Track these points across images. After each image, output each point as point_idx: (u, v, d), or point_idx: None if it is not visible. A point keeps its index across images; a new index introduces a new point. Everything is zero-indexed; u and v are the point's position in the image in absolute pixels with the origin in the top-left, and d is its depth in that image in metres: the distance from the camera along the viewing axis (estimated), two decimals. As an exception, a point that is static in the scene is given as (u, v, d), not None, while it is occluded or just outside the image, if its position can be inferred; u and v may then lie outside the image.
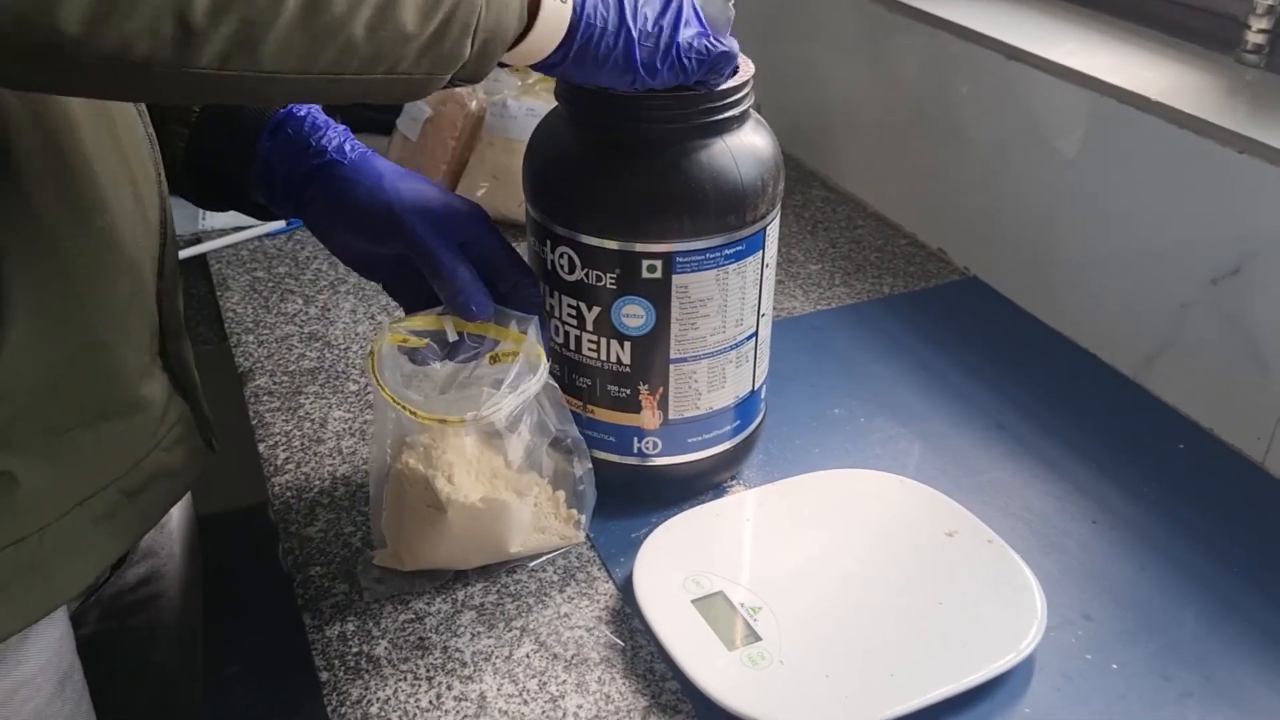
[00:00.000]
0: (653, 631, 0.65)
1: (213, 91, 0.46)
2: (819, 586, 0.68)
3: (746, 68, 0.69)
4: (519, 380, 0.67)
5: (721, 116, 0.66)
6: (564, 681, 0.64)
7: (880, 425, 0.86)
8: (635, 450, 0.73)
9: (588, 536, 0.74)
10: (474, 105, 1.16)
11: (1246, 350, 0.81)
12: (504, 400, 0.66)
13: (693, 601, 0.66)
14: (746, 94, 0.68)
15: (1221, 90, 0.87)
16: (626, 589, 0.69)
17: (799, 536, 0.72)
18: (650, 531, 0.72)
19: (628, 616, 0.68)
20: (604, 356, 0.71)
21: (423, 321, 0.69)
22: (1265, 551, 0.74)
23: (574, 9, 0.57)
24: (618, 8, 0.58)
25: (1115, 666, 0.65)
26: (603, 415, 0.73)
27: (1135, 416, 0.88)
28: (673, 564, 0.69)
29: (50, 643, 0.65)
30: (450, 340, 0.69)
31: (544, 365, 0.68)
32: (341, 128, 0.70)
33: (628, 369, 0.71)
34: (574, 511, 0.73)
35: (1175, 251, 0.86)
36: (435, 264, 0.66)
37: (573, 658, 0.65)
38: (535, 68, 0.59)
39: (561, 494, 0.72)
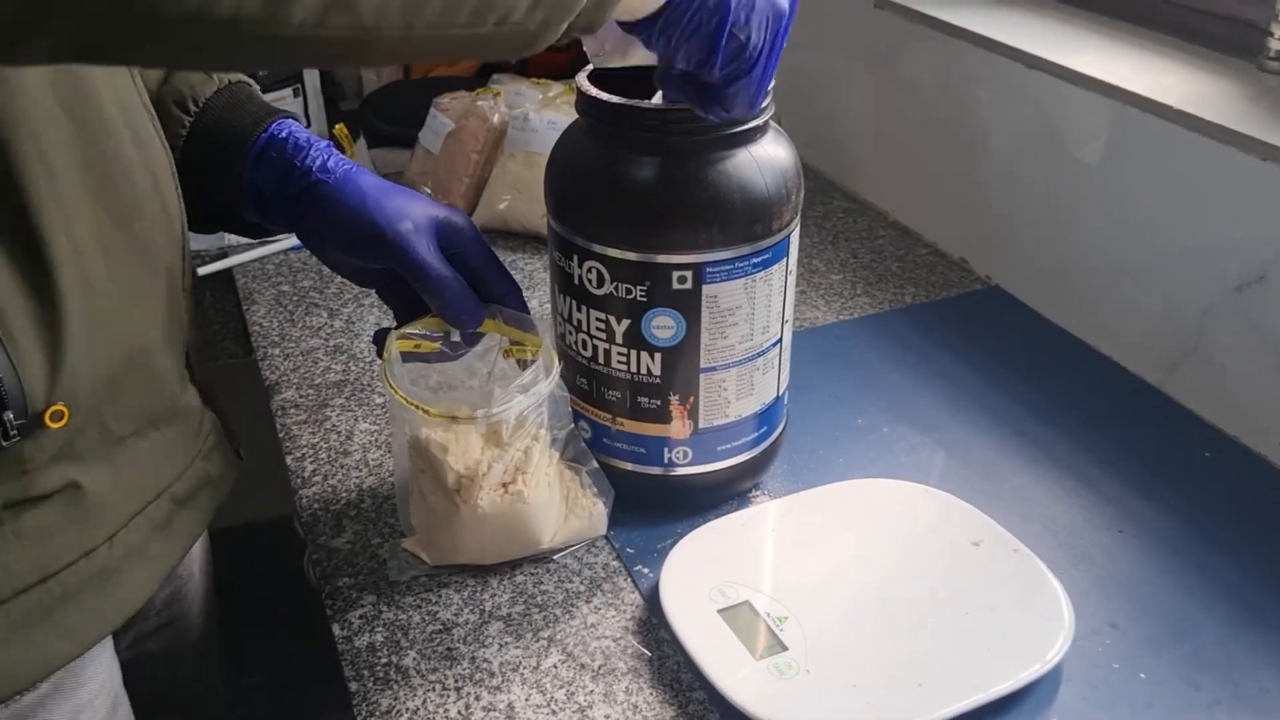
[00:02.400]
0: (679, 641, 0.66)
1: (308, 53, 0.43)
2: (845, 596, 0.68)
3: None
4: (533, 380, 0.68)
5: (745, 127, 0.67)
6: (591, 691, 0.64)
7: (903, 434, 0.86)
8: (665, 460, 0.74)
9: (613, 546, 0.74)
10: (496, 118, 1.17)
11: (1272, 357, 0.81)
12: (514, 400, 0.67)
13: (719, 611, 0.67)
14: (768, 104, 0.68)
15: (1243, 97, 0.87)
16: (653, 599, 0.69)
17: (824, 546, 0.72)
18: (676, 542, 0.72)
19: (654, 626, 0.68)
20: (634, 369, 0.71)
21: (426, 325, 0.71)
22: (1292, 559, 0.74)
23: None
24: None
25: (1143, 675, 0.65)
26: (632, 427, 0.73)
27: (1160, 424, 0.88)
28: (699, 574, 0.69)
29: (103, 665, 0.66)
30: (454, 340, 0.71)
31: (556, 367, 0.70)
32: (325, 144, 0.70)
33: (658, 380, 0.71)
34: (595, 501, 0.73)
35: (1198, 259, 0.86)
36: (423, 278, 0.67)
37: (600, 668, 0.66)
38: (629, 28, 0.57)
39: (578, 486, 0.73)
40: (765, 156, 0.68)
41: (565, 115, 1.12)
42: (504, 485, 0.69)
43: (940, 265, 1.11)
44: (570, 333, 0.73)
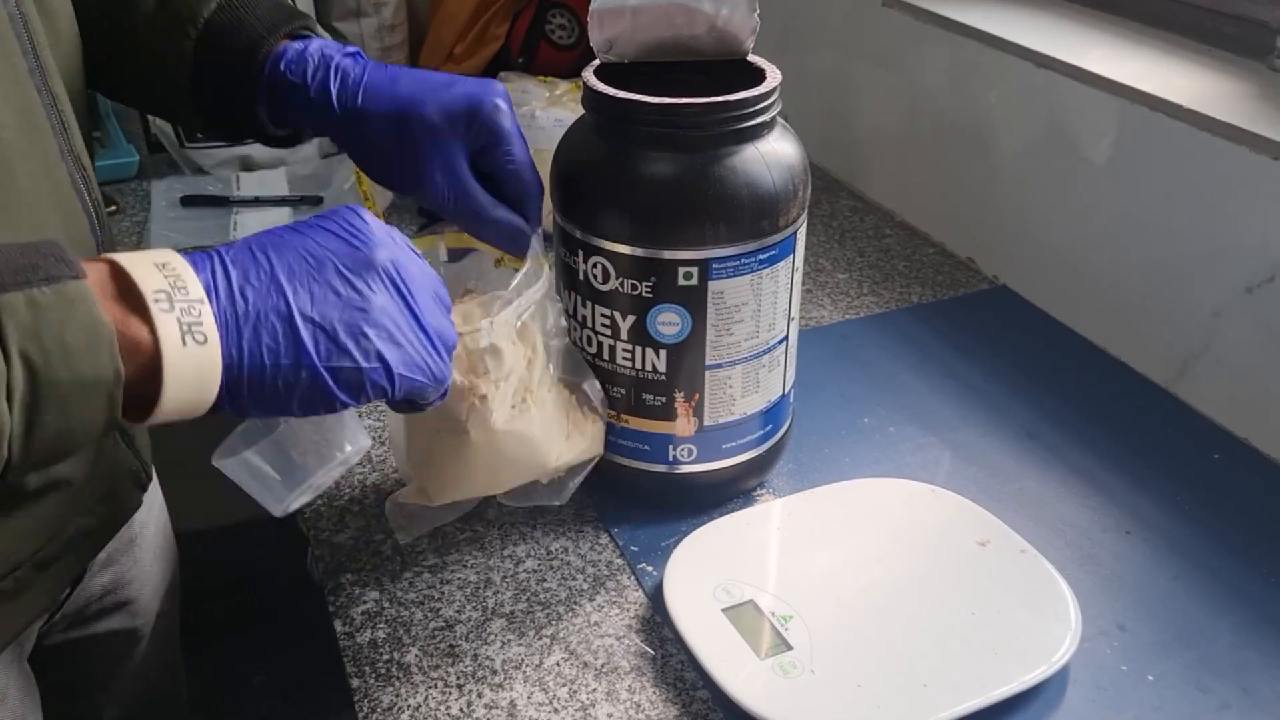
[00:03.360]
0: (683, 640, 0.65)
1: None
2: (850, 595, 0.68)
3: (773, 74, 0.69)
4: (526, 284, 0.67)
5: (753, 123, 0.67)
6: (594, 690, 0.64)
7: (910, 434, 0.85)
8: (670, 458, 0.74)
9: (616, 543, 0.74)
10: (502, 116, 1.16)
11: (1281, 359, 0.80)
12: (511, 304, 0.66)
13: (723, 610, 0.66)
14: (775, 100, 0.68)
15: (1254, 97, 0.86)
16: (656, 597, 0.69)
17: (829, 545, 0.72)
18: (680, 540, 0.72)
19: (658, 625, 0.68)
20: (639, 365, 0.71)
21: (419, 244, 0.70)
22: (1302, 562, 0.73)
23: (225, 349, 0.46)
24: (288, 332, 0.48)
25: (1151, 678, 0.65)
26: (637, 424, 0.73)
27: (1169, 426, 0.87)
28: (703, 572, 0.69)
29: None
30: (442, 259, 0.71)
31: (547, 271, 0.69)
32: (330, 65, 0.67)
33: (663, 377, 0.71)
34: (595, 419, 0.72)
35: (1208, 259, 0.85)
36: (474, 226, 0.68)
37: (603, 666, 0.65)
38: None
39: (575, 404, 0.72)
40: (772, 153, 0.68)
41: (571, 113, 1.11)
42: (510, 404, 0.67)
43: (948, 265, 1.10)
44: (575, 328, 0.72)
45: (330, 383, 0.49)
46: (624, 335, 0.70)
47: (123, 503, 0.69)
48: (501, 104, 0.67)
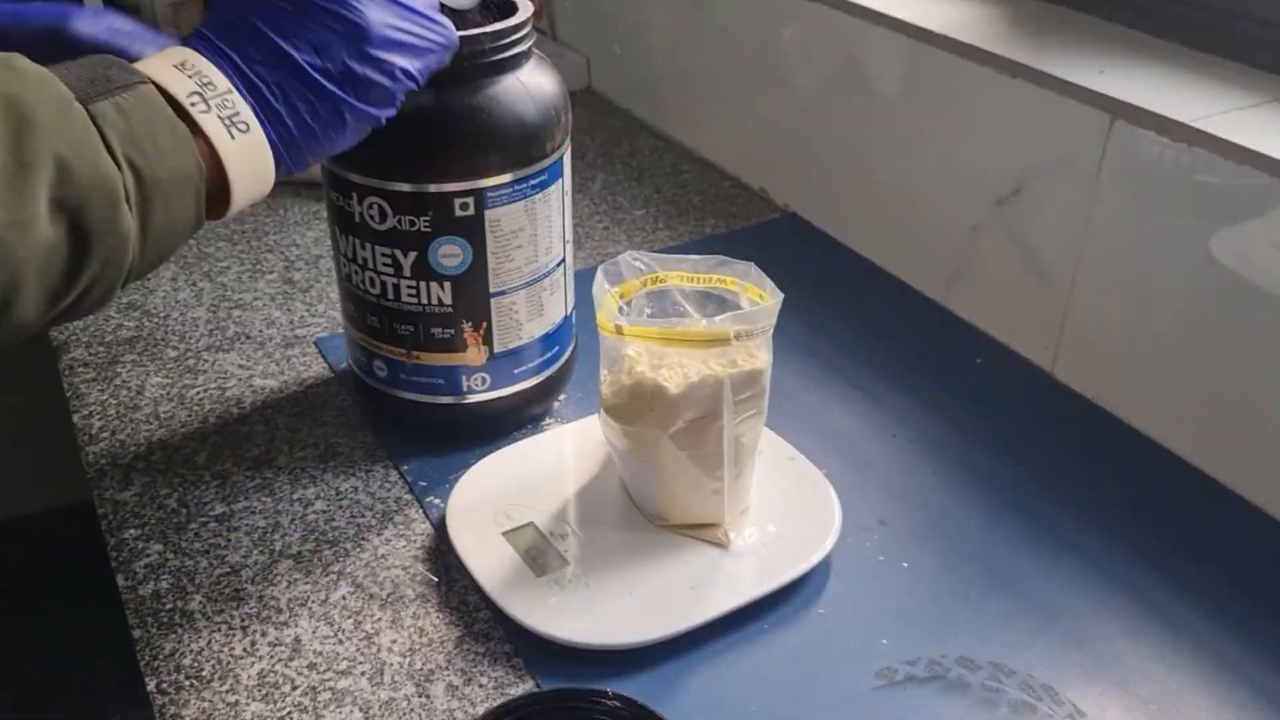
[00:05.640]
0: (465, 565, 0.67)
1: None
2: (623, 511, 0.70)
3: (525, 6, 0.71)
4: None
5: (511, 54, 0.69)
6: (379, 619, 0.65)
7: (697, 358, 0.88)
8: (463, 389, 0.75)
9: (405, 479, 0.75)
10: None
11: (1031, 266, 0.86)
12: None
13: (504, 534, 0.68)
14: (529, 31, 0.70)
15: (1003, 21, 0.91)
16: (442, 527, 0.70)
17: (607, 466, 0.74)
18: (465, 472, 0.74)
19: (443, 554, 0.70)
20: (425, 300, 0.72)
21: None
22: (1049, 450, 0.79)
23: (266, 130, 0.51)
24: (314, 90, 0.52)
25: (905, 565, 0.69)
26: (428, 359, 0.74)
27: (938, 335, 0.92)
28: (485, 499, 0.71)
29: None
30: None
31: None
32: None
33: (450, 309, 0.72)
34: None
35: (967, 178, 0.90)
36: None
37: (389, 596, 0.67)
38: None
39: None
40: (533, 82, 0.70)
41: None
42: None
43: (741, 196, 1.14)
44: (356, 272, 0.73)
45: (370, 109, 0.54)
46: (407, 272, 0.71)
47: None
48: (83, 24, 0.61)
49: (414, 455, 0.77)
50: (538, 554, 0.67)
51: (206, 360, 0.88)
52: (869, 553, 0.70)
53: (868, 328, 0.93)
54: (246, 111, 0.50)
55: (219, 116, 0.49)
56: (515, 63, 0.69)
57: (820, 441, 0.79)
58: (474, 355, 0.74)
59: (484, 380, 0.75)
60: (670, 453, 0.66)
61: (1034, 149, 0.83)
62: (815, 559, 0.67)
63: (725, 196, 1.13)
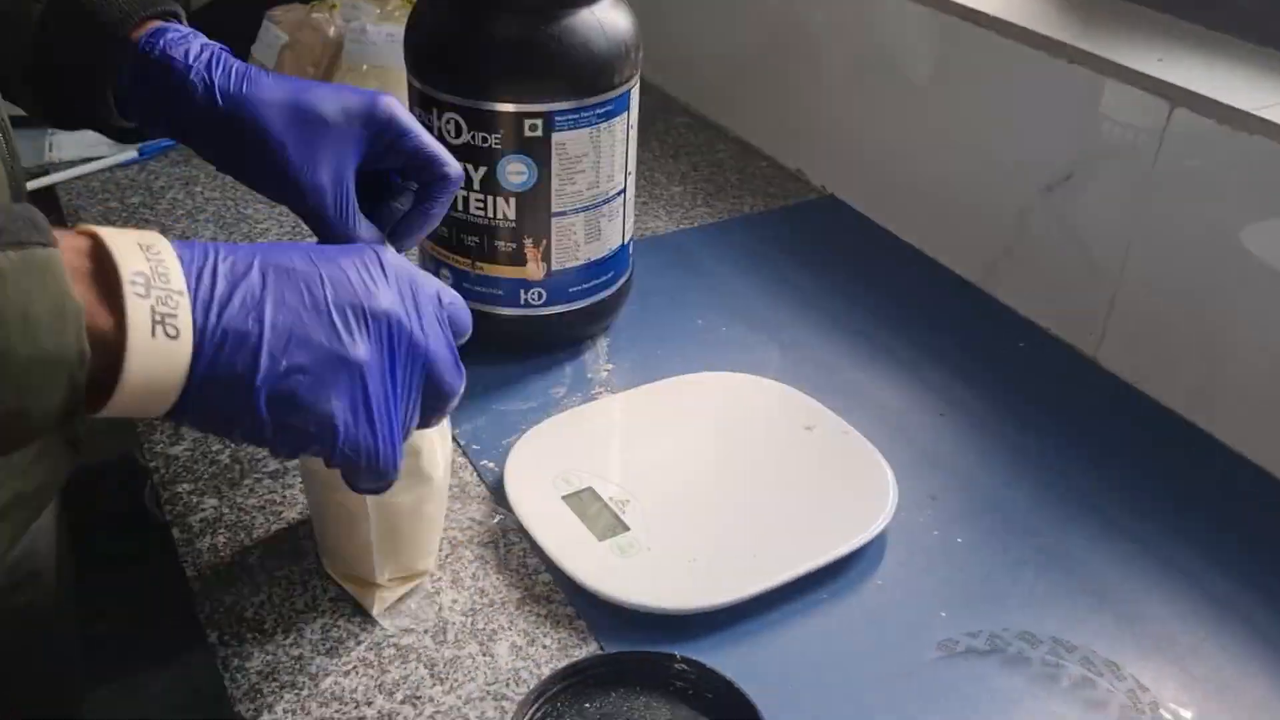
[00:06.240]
0: (524, 527, 0.67)
1: None
2: (684, 479, 0.71)
3: None
4: None
5: None
6: (439, 579, 0.65)
7: (741, 334, 0.89)
8: (522, 301, 0.79)
9: (458, 443, 0.75)
10: (332, 31, 1.14)
11: (1079, 252, 0.86)
12: None
13: (562, 497, 0.68)
14: None
15: (1052, 5, 0.92)
16: (498, 490, 0.71)
17: (664, 434, 0.75)
18: (521, 436, 0.74)
19: (500, 516, 0.70)
20: (491, 214, 0.76)
21: None
22: (1093, 432, 0.79)
23: (195, 335, 0.42)
24: (248, 365, 0.43)
25: (959, 540, 0.70)
26: (491, 270, 0.79)
27: (981, 320, 0.93)
28: (542, 464, 0.71)
29: None
30: None
31: None
32: (205, 59, 0.60)
33: (514, 224, 0.77)
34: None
35: (1013, 162, 0.91)
36: (334, 233, 0.61)
37: (447, 558, 0.67)
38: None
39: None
40: (606, 18, 0.75)
41: (403, 27, 1.10)
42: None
43: (779, 177, 1.14)
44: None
45: (271, 433, 0.45)
46: (476, 185, 0.76)
47: (56, 462, 0.66)
48: (395, 100, 0.62)
49: (465, 419, 0.77)
50: (598, 518, 0.67)
51: (251, 320, 0.88)
52: (922, 528, 0.71)
53: (909, 310, 0.93)
54: (185, 322, 0.41)
55: (153, 308, 0.40)
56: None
57: (869, 417, 0.79)
58: (533, 270, 0.78)
59: (541, 295, 0.79)
60: (322, 489, 0.61)
61: (1088, 135, 0.83)
62: (873, 531, 0.67)
63: (762, 176, 1.14)
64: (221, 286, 0.43)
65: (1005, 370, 0.86)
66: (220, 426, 0.45)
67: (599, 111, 0.75)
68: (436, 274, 0.81)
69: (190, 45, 0.60)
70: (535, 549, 0.67)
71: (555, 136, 0.74)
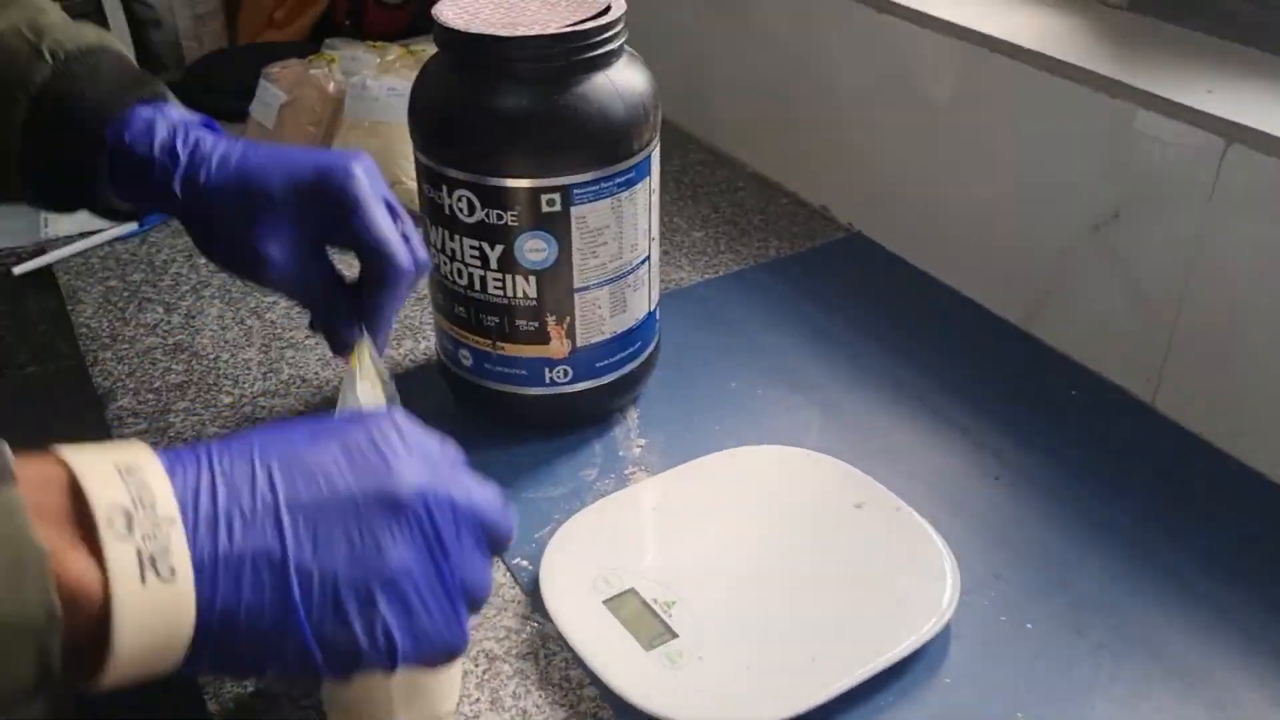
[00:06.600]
0: (565, 637, 0.63)
1: None
2: (731, 574, 0.66)
3: (618, 3, 0.71)
4: (345, 392, 0.62)
5: (602, 51, 0.69)
6: (477, 700, 0.61)
7: (778, 395, 0.84)
8: (547, 380, 0.76)
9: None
10: (331, 87, 1.10)
11: (1130, 293, 0.82)
12: None
13: (604, 602, 0.64)
14: (622, 28, 0.70)
15: (1089, 33, 0.87)
16: (534, 593, 0.66)
17: (706, 522, 0.70)
18: (554, 529, 0.69)
19: (538, 622, 0.66)
20: (510, 293, 0.72)
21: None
22: (1161, 490, 0.75)
23: (197, 569, 0.36)
24: (278, 587, 0.37)
25: (1029, 625, 0.65)
26: (513, 350, 0.75)
27: (1026, 365, 0.88)
28: (580, 563, 0.67)
29: None
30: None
31: (376, 379, 0.63)
32: (182, 140, 0.61)
33: (534, 302, 0.73)
34: None
35: (1054, 198, 0.86)
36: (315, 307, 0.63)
37: (485, 673, 0.63)
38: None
39: None
40: (622, 79, 0.70)
41: (405, 80, 1.06)
42: None
43: (803, 215, 1.09)
44: (445, 263, 0.74)
45: (319, 659, 0.38)
46: (494, 265, 0.72)
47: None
48: (357, 170, 0.61)
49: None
50: (643, 624, 0.63)
51: (263, 407, 0.84)
52: (989, 612, 0.66)
53: (950, 356, 0.88)
54: (181, 556, 0.36)
55: (138, 548, 0.35)
56: (606, 61, 0.70)
57: (919, 486, 0.75)
58: (557, 348, 0.74)
59: (566, 373, 0.75)
60: None
61: (1136, 172, 0.79)
62: (938, 624, 0.63)
63: (785, 215, 1.09)
64: (223, 498, 0.37)
65: (1057, 421, 0.81)
66: (249, 669, 0.39)
67: (619, 180, 0.71)
68: (455, 355, 0.77)
69: (157, 130, 0.61)
70: (577, 660, 0.62)
71: (575, 210, 0.70)
